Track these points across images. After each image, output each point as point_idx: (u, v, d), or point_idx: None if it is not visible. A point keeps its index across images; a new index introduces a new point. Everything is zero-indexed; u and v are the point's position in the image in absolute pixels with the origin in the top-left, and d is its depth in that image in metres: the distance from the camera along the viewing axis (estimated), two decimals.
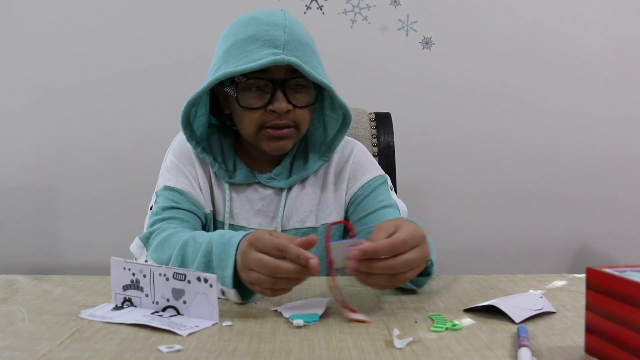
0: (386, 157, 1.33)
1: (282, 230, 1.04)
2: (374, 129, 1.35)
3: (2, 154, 2.04)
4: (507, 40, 2.04)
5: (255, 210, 1.05)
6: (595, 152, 2.09)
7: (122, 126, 2.02)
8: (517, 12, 2.04)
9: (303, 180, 1.07)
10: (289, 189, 1.06)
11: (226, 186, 1.04)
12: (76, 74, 2.02)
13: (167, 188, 1.02)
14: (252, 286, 0.74)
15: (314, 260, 0.70)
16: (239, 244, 0.76)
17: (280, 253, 0.71)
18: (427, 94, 2.04)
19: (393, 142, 1.35)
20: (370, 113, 1.38)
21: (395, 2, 2.02)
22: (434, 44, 2.04)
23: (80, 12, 2.00)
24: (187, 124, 1.02)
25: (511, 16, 2.04)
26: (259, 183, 1.05)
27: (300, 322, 0.69)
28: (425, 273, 0.83)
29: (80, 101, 2.02)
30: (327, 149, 1.07)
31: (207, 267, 0.78)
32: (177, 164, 1.05)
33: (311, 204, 1.06)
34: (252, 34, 0.95)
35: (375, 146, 1.33)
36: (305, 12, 2.01)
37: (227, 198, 1.04)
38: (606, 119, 2.07)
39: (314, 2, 2.01)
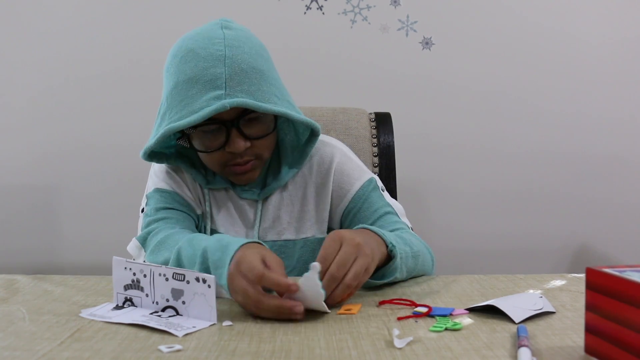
0: (386, 157, 1.33)
1: None
2: (374, 129, 1.35)
3: (2, 153, 2.04)
4: (507, 40, 2.04)
5: (232, 218, 1.03)
6: (596, 152, 2.09)
7: (123, 124, 2.02)
8: (517, 12, 2.03)
9: (282, 190, 1.04)
10: (265, 199, 1.03)
11: (206, 192, 1.03)
12: (75, 72, 2.01)
13: (159, 190, 1.01)
14: None
15: (294, 286, 0.70)
16: (233, 255, 0.75)
17: (261, 283, 0.71)
18: (427, 94, 2.04)
19: (393, 142, 1.35)
20: (370, 113, 1.38)
21: (395, 2, 2.02)
22: (434, 44, 2.04)
23: (78, 11, 2.00)
24: (151, 154, 0.99)
25: (511, 16, 2.03)
26: (235, 192, 1.04)
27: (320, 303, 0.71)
28: (390, 258, 0.83)
29: (80, 100, 2.02)
30: (299, 156, 1.03)
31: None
32: (166, 167, 1.04)
33: (289, 216, 1.03)
34: (191, 75, 0.90)
35: (375, 146, 1.34)
36: (305, 12, 2.01)
37: (207, 204, 1.03)
38: (607, 119, 2.07)
39: (314, 2, 2.01)
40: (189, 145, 0.95)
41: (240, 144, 0.92)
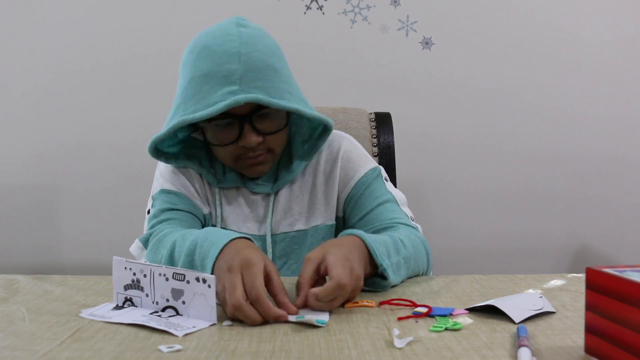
0: (386, 157, 1.33)
1: (272, 235, 1.03)
2: (374, 129, 1.35)
3: (2, 152, 2.04)
4: (507, 39, 2.04)
5: (244, 215, 1.04)
6: (596, 152, 2.09)
7: (123, 122, 2.02)
8: (517, 11, 2.04)
9: (291, 183, 1.05)
10: (277, 193, 1.05)
11: (216, 191, 1.04)
12: (75, 70, 2.01)
13: (164, 191, 1.02)
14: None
15: (284, 317, 0.69)
16: (221, 249, 0.75)
17: (255, 303, 0.69)
18: (427, 94, 2.04)
19: (393, 142, 1.35)
20: (370, 113, 1.38)
21: (395, 2, 2.02)
22: (434, 44, 2.04)
23: (78, 8, 2.00)
24: (158, 152, 1.01)
25: (511, 16, 2.04)
26: (247, 188, 1.05)
27: (312, 318, 0.68)
28: (382, 277, 0.82)
29: (80, 97, 2.02)
30: (309, 150, 1.05)
31: (191, 267, 0.79)
32: (173, 167, 1.04)
33: (300, 207, 1.05)
34: (206, 70, 0.91)
35: (375, 146, 1.34)
36: (305, 12, 2.01)
37: (218, 203, 1.03)
38: (607, 118, 2.07)
39: (314, 2, 2.01)
40: (203, 138, 0.97)
41: (253, 139, 0.94)
